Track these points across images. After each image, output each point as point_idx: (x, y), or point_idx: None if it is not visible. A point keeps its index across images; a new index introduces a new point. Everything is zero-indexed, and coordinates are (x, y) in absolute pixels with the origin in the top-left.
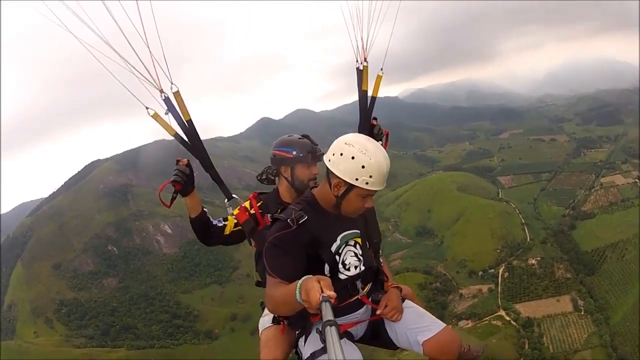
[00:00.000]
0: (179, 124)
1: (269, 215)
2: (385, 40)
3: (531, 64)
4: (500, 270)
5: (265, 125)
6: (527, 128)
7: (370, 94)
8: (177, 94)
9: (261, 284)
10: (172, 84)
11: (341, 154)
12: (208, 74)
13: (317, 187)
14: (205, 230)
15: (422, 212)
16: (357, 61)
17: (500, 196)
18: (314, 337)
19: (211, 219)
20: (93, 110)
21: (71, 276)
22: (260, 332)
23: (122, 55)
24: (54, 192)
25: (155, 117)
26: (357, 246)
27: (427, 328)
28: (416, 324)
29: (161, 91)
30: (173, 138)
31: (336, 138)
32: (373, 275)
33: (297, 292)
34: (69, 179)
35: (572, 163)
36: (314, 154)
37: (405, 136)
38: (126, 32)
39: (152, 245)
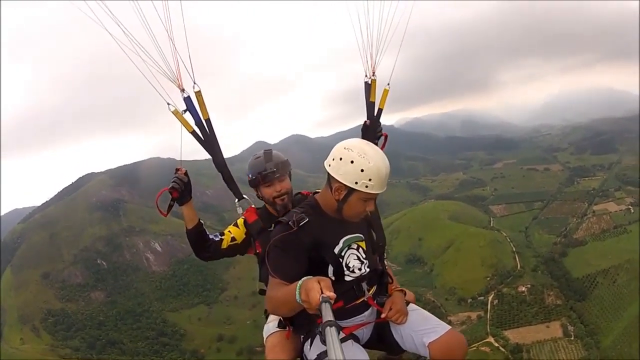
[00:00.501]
0: (196, 123)
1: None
2: (388, 61)
3: (528, 94)
4: (490, 298)
5: (260, 149)
6: (521, 158)
7: (377, 105)
8: (198, 94)
9: (264, 292)
10: (194, 83)
11: (340, 159)
12: (211, 90)
13: (287, 201)
14: (201, 242)
15: (412, 240)
16: (365, 75)
17: (491, 225)
18: (319, 339)
19: (207, 232)
20: (92, 123)
21: (59, 286)
22: (265, 339)
23: (146, 52)
24: (47, 201)
25: (176, 113)
26: (360, 249)
27: (433, 330)
28: (421, 326)
29: (182, 90)
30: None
31: None
32: (378, 278)
33: (297, 292)
34: (63, 189)
35: (565, 192)
36: (262, 174)
37: (400, 165)
38: (148, 29)
39: (142, 262)
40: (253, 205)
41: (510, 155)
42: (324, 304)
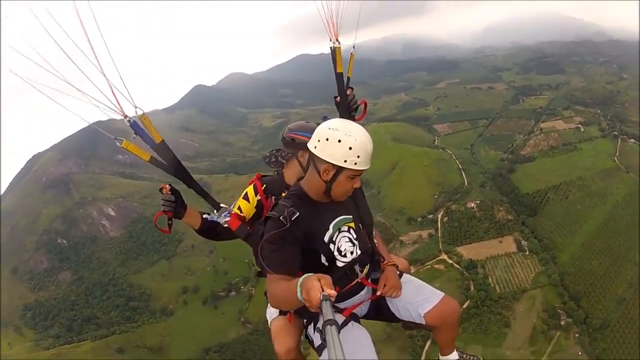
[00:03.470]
0: (151, 147)
1: (273, 197)
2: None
3: (470, 17)
4: (439, 216)
5: (199, 93)
6: (464, 78)
7: (346, 74)
8: (143, 117)
9: (262, 274)
10: (135, 107)
11: (327, 139)
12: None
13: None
14: (212, 234)
15: None
16: (330, 40)
17: (436, 144)
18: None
19: (215, 219)
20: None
21: (29, 278)
22: (269, 322)
23: (72, 84)
24: (2, 193)
25: (127, 146)
26: (351, 230)
27: (427, 300)
28: (416, 297)
29: (125, 116)
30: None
31: (273, 99)
32: (369, 257)
33: (298, 291)
34: (15, 177)
35: (510, 110)
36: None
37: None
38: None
39: (98, 231)
40: (233, 212)
41: (453, 76)
42: (324, 302)
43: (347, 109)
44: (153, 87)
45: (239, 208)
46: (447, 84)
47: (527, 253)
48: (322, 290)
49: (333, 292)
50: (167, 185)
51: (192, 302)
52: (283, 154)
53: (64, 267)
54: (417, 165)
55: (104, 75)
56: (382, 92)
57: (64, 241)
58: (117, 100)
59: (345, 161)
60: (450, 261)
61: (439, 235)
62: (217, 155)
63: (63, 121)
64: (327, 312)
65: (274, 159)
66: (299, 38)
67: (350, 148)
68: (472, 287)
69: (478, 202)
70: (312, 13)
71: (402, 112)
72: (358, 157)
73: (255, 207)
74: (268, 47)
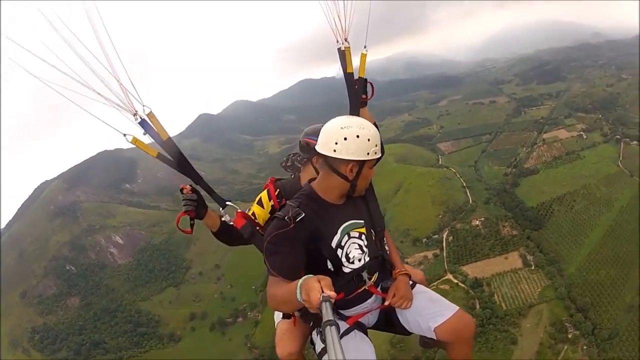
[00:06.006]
0: (159, 144)
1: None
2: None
3: (468, 31)
4: (444, 235)
5: (204, 121)
6: (466, 93)
7: (357, 74)
8: (150, 115)
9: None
10: (143, 105)
11: (345, 139)
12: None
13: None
14: (229, 237)
15: None
16: (337, 41)
17: (440, 163)
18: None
19: (231, 223)
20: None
21: (37, 302)
22: (275, 324)
23: (84, 82)
24: (10, 220)
25: (135, 141)
26: (362, 237)
27: (439, 313)
28: (427, 310)
29: (135, 114)
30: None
31: (277, 126)
32: (379, 265)
33: (298, 292)
34: (22, 204)
35: (512, 123)
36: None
37: (343, 115)
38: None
39: (107, 259)
40: (239, 210)
41: (456, 92)
42: (324, 303)
43: (357, 107)
44: (159, 116)
45: (254, 214)
46: (449, 101)
47: (532, 268)
48: (322, 292)
49: (333, 294)
50: (188, 185)
51: (200, 328)
52: (299, 158)
53: (72, 293)
54: (421, 186)
55: (115, 77)
56: (386, 114)
57: (72, 268)
58: (127, 99)
59: (368, 153)
60: (456, 281)
61: (444, 255)
62: (225, 183)
63: (70, 150)
64: (327, 313)
65: (290, 163)
66: (296, 63)
67: (368, 140)
68: (477, 306)
69: (483, 219)
70: (309, 37)
71: (406, 133)
72: (376, 145)
73: (270, 213)
74: (270, 73)
